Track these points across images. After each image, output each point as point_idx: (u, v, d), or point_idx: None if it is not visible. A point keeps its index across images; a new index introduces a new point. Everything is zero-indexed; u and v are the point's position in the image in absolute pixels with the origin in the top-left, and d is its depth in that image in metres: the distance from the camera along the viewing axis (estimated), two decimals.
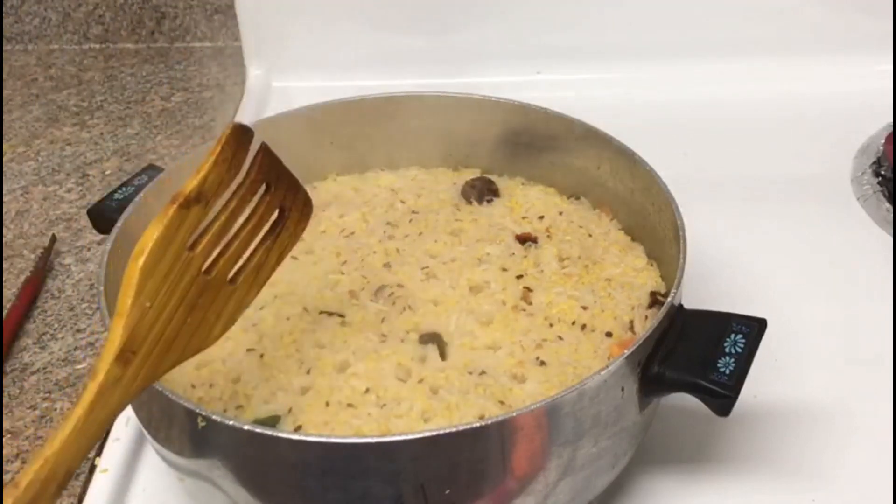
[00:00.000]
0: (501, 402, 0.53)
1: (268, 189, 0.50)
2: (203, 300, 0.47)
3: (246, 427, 0.47)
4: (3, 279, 0.79)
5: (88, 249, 0.83)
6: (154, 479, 0.62)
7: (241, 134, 0.47)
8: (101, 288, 0.55)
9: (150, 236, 0.44)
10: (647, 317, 0.59)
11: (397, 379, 0.55)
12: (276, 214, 0.51)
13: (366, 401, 0.54)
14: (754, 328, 0.53)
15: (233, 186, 0.47)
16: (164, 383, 0.52)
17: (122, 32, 1.13)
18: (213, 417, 0.48)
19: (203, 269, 0.47)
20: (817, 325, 0.70)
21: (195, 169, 0.46)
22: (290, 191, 0.51)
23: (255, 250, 0.50)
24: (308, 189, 0.70)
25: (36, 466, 0.40)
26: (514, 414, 0.47)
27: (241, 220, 0.49)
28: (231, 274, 0.49)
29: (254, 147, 0.48)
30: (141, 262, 0.44)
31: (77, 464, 0.42)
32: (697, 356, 0.52)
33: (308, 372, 0.56)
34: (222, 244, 0.48)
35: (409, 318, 0.59)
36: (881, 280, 0.74)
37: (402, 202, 0.70)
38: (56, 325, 0.75)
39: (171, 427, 0.52)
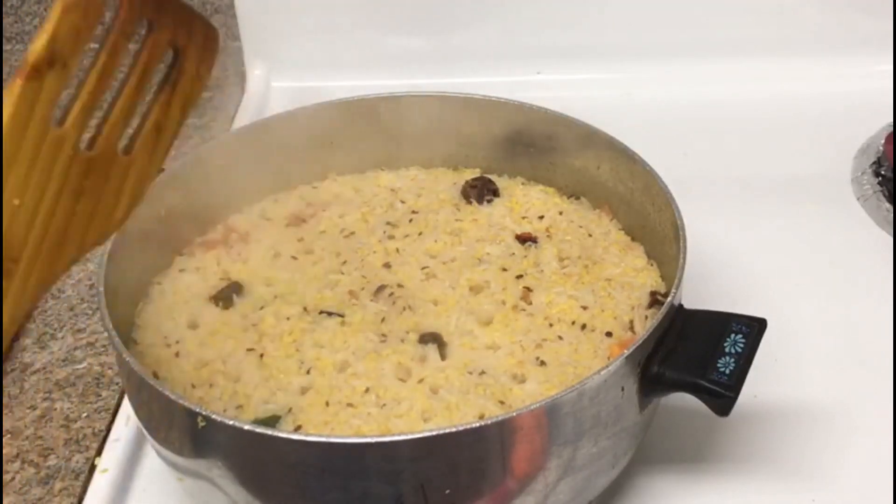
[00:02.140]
0: (501, 402, 0.53)
1: (150, 29, 0.40)
2: (91, 182, 0.40)
3: (246, 427, 0.47)
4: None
5: None
6: (154, 479, 0.62)
7: None
8: (101, 288, 0.55)
9: None
10: (647, 317, 0.59)
11: (397, 379, 0.55)
12: (168, 56, 0.41)
13: (366, 401, 0.54)
14: (754, 328, 0.53)
15: (97, 36, 0.38)
16: (163, 383, 0.52)
17: None
18: (213, 417, 0.48)
19: (82, 144, 0.39)
20: (817, 325, 0.70)
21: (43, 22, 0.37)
22: (180, 24, 0.41)
23: (149, 108, 0.42)
24: (308, 189, 0.71)
25: None
26: (514, 414, 0.47)
27: (120, 74, 0.40)
28: (124, 142, 0.41)
29: None
30: None
31: None
32: (697, 356, 0.52)
33: (308, 372, 0.56)
34: (101, 110, 0.40)
35: (409, 318, 0.59)
36: (881, 280, 0.74)
37: (402, 202, 0.70)
38: (56, 325, 0.75)
39: (171, 427, 0.52)
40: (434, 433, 0.47)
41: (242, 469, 0.50)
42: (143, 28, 0.40)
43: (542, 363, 0.56)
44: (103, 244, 0.42)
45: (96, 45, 0.39)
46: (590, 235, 0.66)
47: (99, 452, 0.64)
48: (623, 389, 0.51)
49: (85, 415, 0.67)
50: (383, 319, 0.59)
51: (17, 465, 0.64)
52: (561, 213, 0.68)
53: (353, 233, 0.66)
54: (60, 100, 0.38)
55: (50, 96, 0.37)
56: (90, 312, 0.76)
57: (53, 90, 0.37)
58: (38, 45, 0.36)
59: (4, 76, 1.09)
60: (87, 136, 0.39)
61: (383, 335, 0.58)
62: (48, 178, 0.38)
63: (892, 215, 0.79)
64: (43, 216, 0.38)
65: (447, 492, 0.48)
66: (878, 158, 0.84)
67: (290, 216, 0.68)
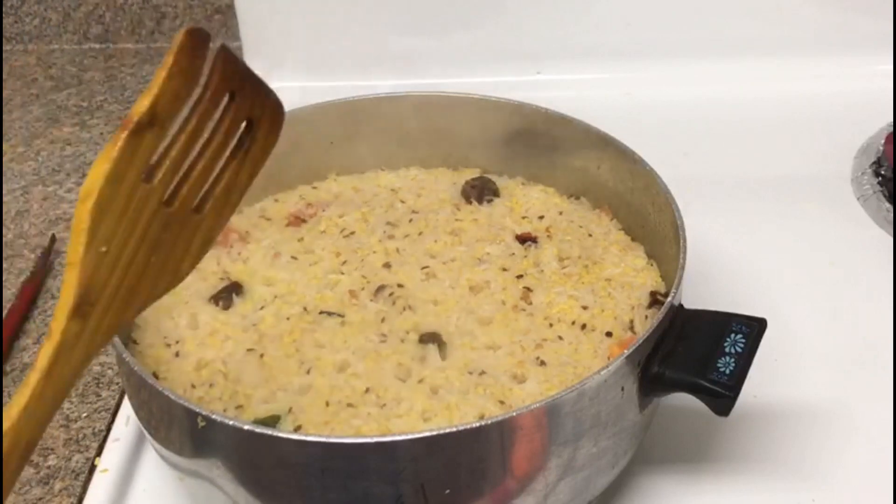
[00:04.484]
0: (501, 402, 0.53)
1: (231, 98, 0.43)
2: (167, 235, 0.42)
3: (246, 427, 0.47)
4: (3, 279, 0.79)
5: None
6: (154, 479, 0.62)
7: (197, 39, 0.40)
8: None
9: (99, 173, 0.39)
10: (647, 317, 0.59)
11: (397, 379, 0.55)
12: (243, 126, 0.44)
13: (366, 401, 0.54)
14: (754, 328, 0.53)
15: (190, 101, 0.41)
16: (163, 383, 0.52)
17: (122, 32, 1.13)
18: (213, 417, 0.48)
19: (164, 200, 0.41)
20: (817, 325, 0.70)
21: (148, 85, 0.40)
22: (257, 97, 0.44)
23: (221, 170, 0.44)
24: (308, 189, 0.71)
25: None
26: (514, 414, 0.47)
27: (203, 137, 0.43)
28: (196, 201, 0.43)
29: (210, 52, 0.42)
30: (91, 203, 0.39)
31: (39, 433, 0.39)
32: (697, 356, 0.52)
33: (308, 372, 0.56)
34: (183, 170, 0.42)
35: (409, 318, 0.59)
36: (881, 280, 0.74)
37: (402, 202, 0.70)
38: None
39: (171, 427, 0.52)
40: (434, 433, 0.47)
41: (242, 469, 0.50)
42: (226, 98, 0.42)
43: (542, 363, 0.56)
44: (167, 294, 0.44)
45: (186, 112, 0.41)
46: (590, 235, 0.66)
47: (99, 452, 0.64)
48: (623, 389, 0.51)
49: (85, 415, 0.67)
50: (383, 319, 0.59)
51: None
52: (561, 213, 0.68)
53: (353, 233, 0.66)
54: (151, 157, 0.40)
55: (146, 153, 0.40)
56: None
57: (150, 147, 0.40)
58: (143, 104, 0.39)
59: (4, 76, 1.09)
60: (168, 192, 0.42)
61: (383, 335, 0.58)
62: (133, 229, 0.40)
63: (892, 215, 0.79)
64: (122, 265, 0.40)
65: (447, 492, 0.48)
66: (878, 158, 0.84)
67: (290, 216, 0.68)
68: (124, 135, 0.39)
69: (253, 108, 0.44)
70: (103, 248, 0.39)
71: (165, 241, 0.42)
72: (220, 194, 0.44)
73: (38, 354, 0.39)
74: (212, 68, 0.41)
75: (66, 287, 0.39)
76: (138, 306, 0.43)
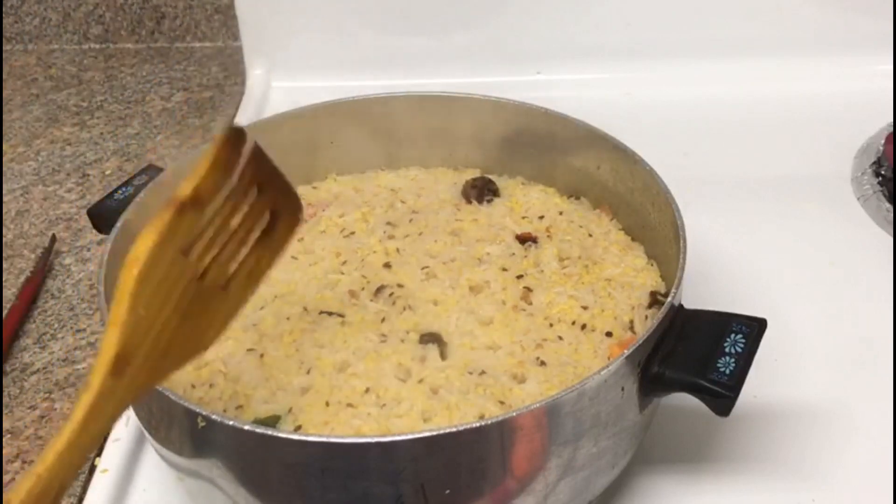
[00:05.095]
0: (501, 402, 0.53)
1: (259, 191, 0.48)
2: (197, 307, 0.46)
3: (246, 427, 0.47)
4: (3, 279, 0.79)
5: (88, 249, 0.83)
6: (154, 479, 0.62)
7: (237, 136, 0.45)
8: (101, 288, 0.55)
9: (146, 242, 0.43)
10: (647, 317, 0.59)
11: (397, 379, 0.55)
12: (267, 218, 0.49)
13: (366, 401, 0.54)
14: (754, 328, 0.53)
15: (226, 189, 0.46)
16: (163, 383, 0.52)
17: (122, 32, 1.13)
18: (213, 417, 0.48)
19: (198, 274, 0.45)
20: (817, 325, 0.70)
21: (191, 171, 0.45)
22: (281, 193, 0.49)
23: (247, 255, 0.48)
24: (308, 189, 0.71)
25: (29, 484, 0.39)
26: (514, 414, 0.47)
27: (234, 223, 0.47)
28: (224, 280, 0.47)
29: (246, 148, 0.47)
30: (136, 270, 0.42)
31: (71, 479, 0.41)
32: (697, 356, 0.52)
33: (308, 372, 0.56)
34: (216, 249, 0.46)
35: (409, 318, 0.59)
36: (881, 280, 0.74)
37: (402, 202, 0.70)
38: (56, 325, 0.75)
39: (171, 427, 0.52)
40: (434, 433, 0.47)
41: (242, 469, 0.50)
42: (255, 191, 0.47)
43: (542, 363, 0.56)
44: (192, 361, 0.47)
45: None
46: (590, 235, 0.66)
47: (99, 452, 0.64)
48: (623, 389, 0.51)
49: None
50: (383, 319, 0.59)
51: (17, 465, 0.64)
52: (561, 213, 0.68)
53: (353, 233, 0.66)
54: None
55: (187, 229, 0.44)
56: (90, 312, 0.76)
57: (190, 225, 0.44)
58: (188, 186, 0.44)
59: (4, 76, 1.09)
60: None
61: (383, 335, 0.58)
62: (169, 296, 0.44)
63: (892, 215, 0.79)
64: (157, 329, 0.44)
65: (447, 492, 0.48)
66: (878, 158, 0.84)
67: None
68: (170, 211, 0.43)
69: (276, 202, 0.49)
70: (142, 312, 0.43)
71: (195, 312, 0.46)
72: (243, 276, 0.48)
73: (74, 404, 0.41)
74: (246, 161, 0.46)
75: (106, 344, 0.42)
76: (167, 370, 0.45)
